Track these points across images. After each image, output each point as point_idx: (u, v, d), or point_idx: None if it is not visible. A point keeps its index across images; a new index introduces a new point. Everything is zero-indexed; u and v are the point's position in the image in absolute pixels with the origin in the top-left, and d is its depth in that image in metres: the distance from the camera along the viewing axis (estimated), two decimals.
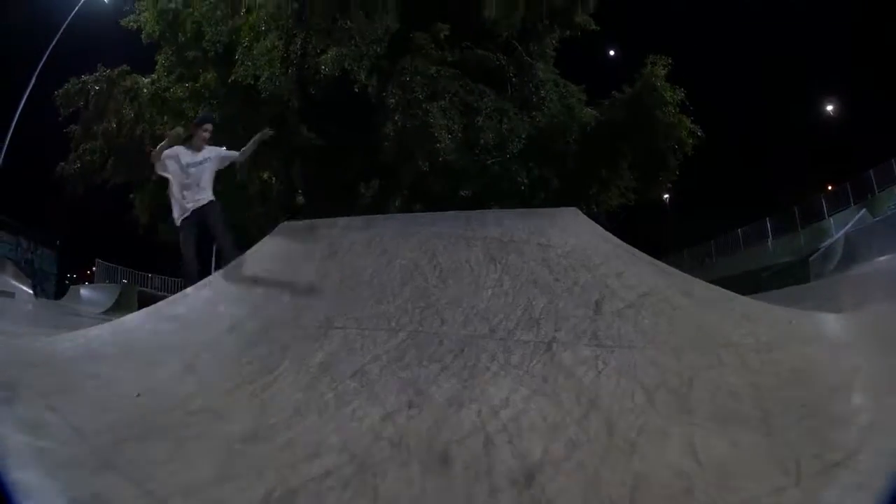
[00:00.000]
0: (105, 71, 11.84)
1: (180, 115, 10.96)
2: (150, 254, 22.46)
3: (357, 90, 10.09)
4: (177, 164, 4.10)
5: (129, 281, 21.37)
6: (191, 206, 4.12)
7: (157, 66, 11.97)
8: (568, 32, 12.77)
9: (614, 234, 3.50)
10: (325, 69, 9.83)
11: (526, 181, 11.58)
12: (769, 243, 24.95)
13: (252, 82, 10.21)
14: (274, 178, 12.83)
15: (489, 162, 11.30)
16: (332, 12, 10.09)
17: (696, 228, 31.78)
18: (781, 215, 25.09)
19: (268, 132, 4.59)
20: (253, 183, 12.41)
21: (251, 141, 4.44)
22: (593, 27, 12.62)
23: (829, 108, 33.28)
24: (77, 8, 13.25)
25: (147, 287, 20.98)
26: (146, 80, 11.94)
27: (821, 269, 13.06)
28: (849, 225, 17.22)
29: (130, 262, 23.21)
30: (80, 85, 11.70)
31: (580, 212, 3.87)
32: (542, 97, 12.14)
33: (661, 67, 11.97)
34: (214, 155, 4.30)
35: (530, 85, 12.15)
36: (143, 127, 11.49)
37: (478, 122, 10.79)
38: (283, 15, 10.38)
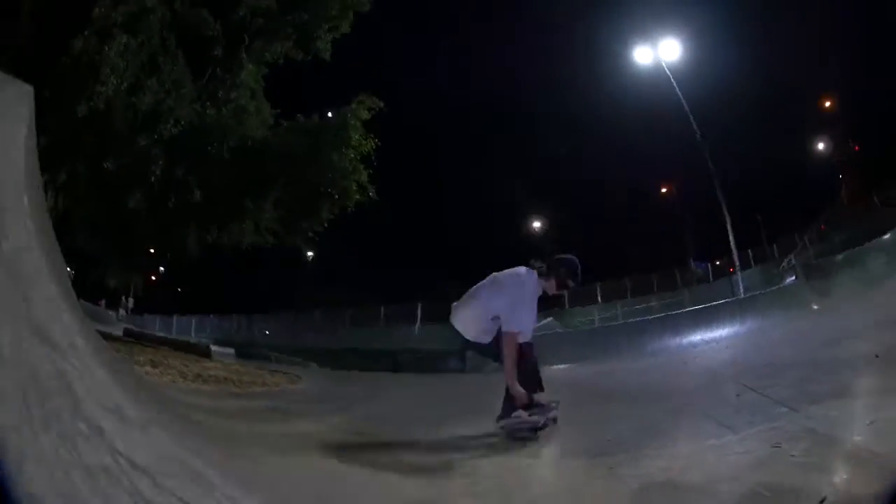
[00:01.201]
0: None
1: None
2: None
3: None
4: None
5: None
6: None
7: None
8: (296, 53, 11.67)
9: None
10: None
11: (158, 173, 9.91)
12: (416, 328, 26.32)
13: None
14: None
15: (139, 137, 9.62)
16: None
17: (337, 290, 32.82)
18: (435, 304, 25.65)
19: None
20: None
21: None
22: (327, 57, 11.76)
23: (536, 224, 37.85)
24: None
25: None
26: None
27: (479, 363, 13.27)
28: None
29: None
30: None
31: None
32: (230, 98, 10.81)
33: (366, 109, 11.29)
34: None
35: (227, 80, 10.85)
36: None
37: (149, 83, 9.29)
38: None
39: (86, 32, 8.19)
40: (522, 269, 3.89)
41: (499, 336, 3.67)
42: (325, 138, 10.94)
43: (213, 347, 14.66)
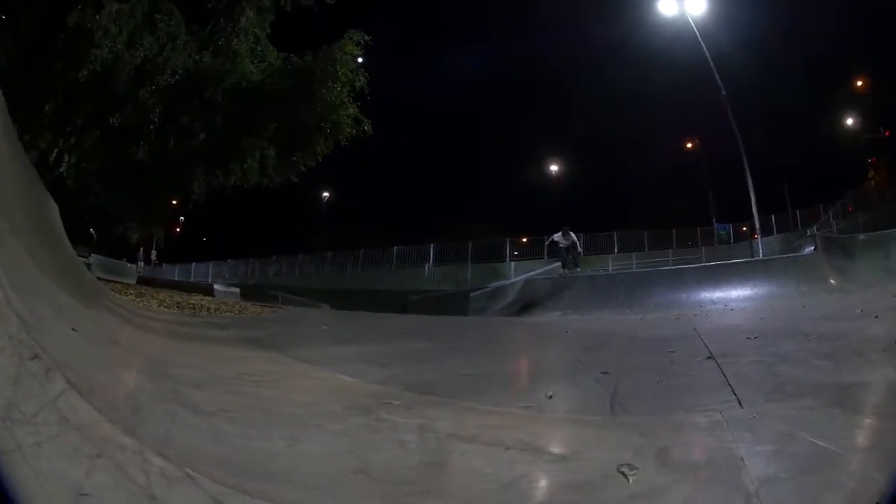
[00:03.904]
0: None
1: None
2: None
3: None
4: None
5: None
6: None
7: None
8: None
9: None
10: None
11: (156, 121, 10.67)
12: (427, 268, 26.56)
13: None
14: None
15: (140, 91, 10.29)
16: None
17: (351, 234, 33.26)
18: (448, 245, 27.19)
19: None
20: None
21: None
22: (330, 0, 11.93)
23: (553, 168, 37.33)
24: None
25: None
26: None
27: (483, 305, 13.73)
28: (537, 271, 18.53)
29: None
30: None
31: None
32: (232, 46, 11.25)
33: (355, 44, 11.61)
34: None
35: (228, 27, 11.23)
36: None
37: (144, 39, 9.86)
38: None
39: (79, 6, 8.93)
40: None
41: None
42: (314, 74, 11.41)
43: (217, 286, 15.78)
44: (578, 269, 14.16)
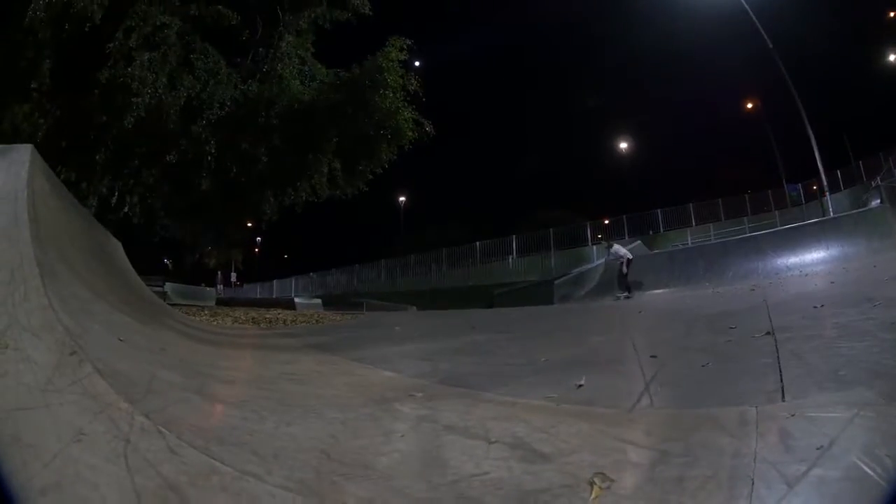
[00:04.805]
0: None
1: None
2: None
3: (88, 29, 9.27)
4: None
5: None
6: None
7: None
8: (338, 14, 12.66)
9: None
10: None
11: (213, 152, 11.22)
12: (511, 259, 26.72)
13: None
14: None
15: (193, 127, 10.97)
16: None
17: (432, 235, 34.58)
18: (530, 235, 27.37)
19: None
20: None
21: None
22: (367, 11, 12.54)
23: (623, 145, 35.89)
24: None
25: None
26: None
27: (568, 292, 13.95)
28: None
29: None
30: None
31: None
32: (276, 71, 11.95)
33: (398, 50, 12.00)
34: None
35: (270, 54, 12.04)
36: None
37: (185, 80, 10.58)
38: None
39: (109, 63, 9.77)
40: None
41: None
42: (364, 84, 11.96)
43: (298, 300, 17.02)
44: (628, 295, 11.24)
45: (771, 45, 16.56)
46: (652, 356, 3.13)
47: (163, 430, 1.81)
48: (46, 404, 1.76)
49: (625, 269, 11.37)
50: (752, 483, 1.34)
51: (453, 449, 1.84)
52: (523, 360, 3.74)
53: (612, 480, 1.44)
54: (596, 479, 1.44)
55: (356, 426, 2.15)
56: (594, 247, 24.26)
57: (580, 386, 2.62)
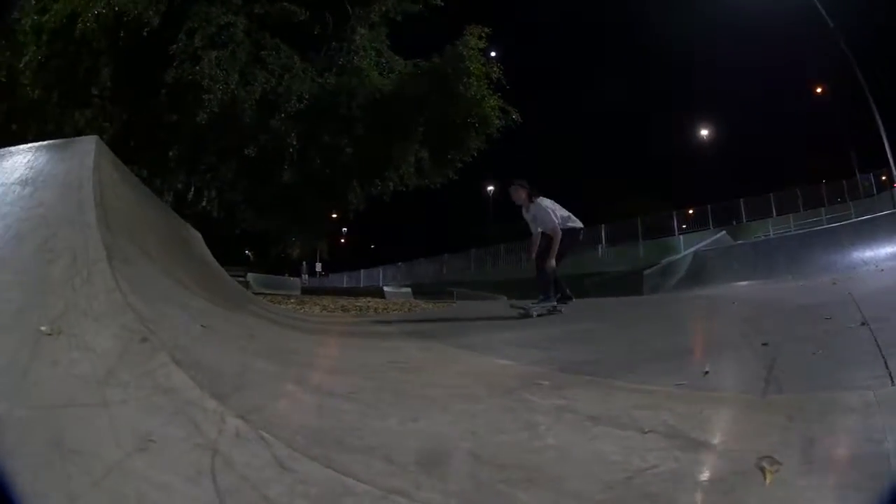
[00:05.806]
0: None
1: None
2: None
3: (146, 34, 9.35)
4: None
5: None
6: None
7: None
8: (409, 5, 12.31)
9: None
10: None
11: (294, 144, 11.21)
12: (600, 249, 26.33)
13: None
14: None
15: (271, 121, 10.85)
16: None
17: (522, 224, 30.33)
18: (618, 225, 27.12)
19: None
20: None
21: None
22: (438, 2, 12.21)
23: (704, 132, 35.83)
24: None
25: None
26: None
27: (657, 282, 13.87)
28: (703, 243, 18.45)
29: None
30: None
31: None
32: (353, 64, 11.75)
33: (477, 38, 11.63)
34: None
35: (344, 47, 11.82)
36: None
37: (256, 77, 10.43)
38: None
39: (174, 63, 9.79)
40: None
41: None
42: (446, 73, 11.70)
43: (387, 289, 17.02)
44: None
45: (831, 25, 16.16)
46: (763, 344, 3.03)
47: (266, 435, 1.43)
48: (104, 401, 1.35)
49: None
50: (888, 458, 1.35)
51: (608, 441, 1.64)
52: (635, 349, 3.62)
53: (780, 464, 1.37)
54: (765, 464, 1.38)
55: (492, 420, 1.87)
56: (680, 237, 24.50)
57: (706, 373, 2.51)
